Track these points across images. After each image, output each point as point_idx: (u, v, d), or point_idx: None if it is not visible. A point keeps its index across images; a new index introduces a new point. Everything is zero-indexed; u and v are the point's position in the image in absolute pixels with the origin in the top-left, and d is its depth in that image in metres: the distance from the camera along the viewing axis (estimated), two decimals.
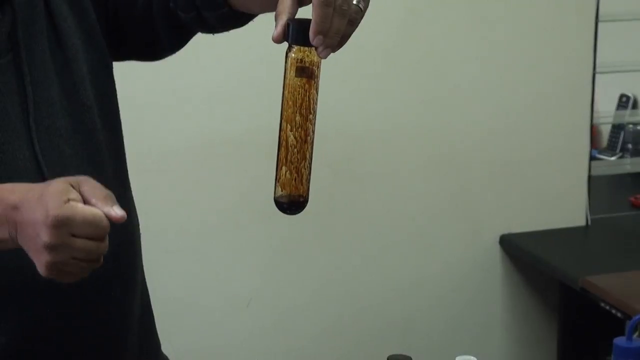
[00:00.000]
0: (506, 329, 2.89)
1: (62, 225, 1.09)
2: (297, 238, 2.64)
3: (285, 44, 1.19)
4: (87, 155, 1.34)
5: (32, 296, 1.30)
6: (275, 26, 1.17)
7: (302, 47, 1.17)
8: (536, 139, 2.81)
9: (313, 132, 1.20)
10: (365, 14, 1.18)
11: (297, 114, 1.18)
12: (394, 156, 2.71)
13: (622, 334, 1.42)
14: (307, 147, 1.19)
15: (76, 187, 1.12)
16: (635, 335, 1.41)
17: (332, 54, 1.18)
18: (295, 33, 1.17)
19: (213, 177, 2.58)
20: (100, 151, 1.36)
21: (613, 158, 3.29)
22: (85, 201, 1.11)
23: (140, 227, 1.46)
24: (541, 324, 2.92)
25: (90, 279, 1.24)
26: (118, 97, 1.43)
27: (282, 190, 1.20)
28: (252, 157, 2.56)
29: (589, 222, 2.89)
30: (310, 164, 1.20)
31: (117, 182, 1.39)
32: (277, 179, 1.20)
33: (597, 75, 2.84)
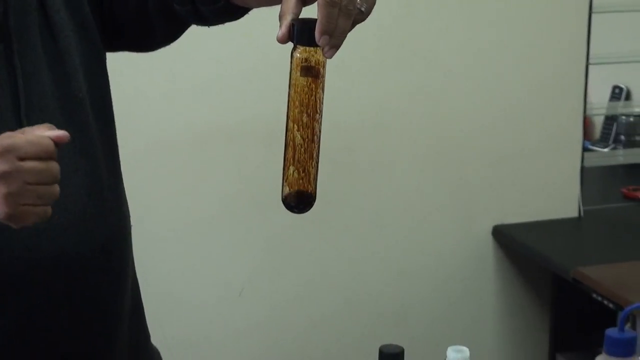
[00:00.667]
0: (499, 320, 2.90)
1: (7, 152, 1.12)
2: (290, 229, 2.64)
3: (289, 43, 1.18)
4: (79, 147, 1.34)
5: (22, 290, 1.30)
6: (280, 26, 1.16)
7: (307, 47, 1.16)
8: (529, 130, 2.82)
9: (320, 131, 1.20)
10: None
11: (304, 114, 1.18)
12: (387, 148, 2.71)
13: (614, 324, 1.42)
14: (314, 147, 1.19)
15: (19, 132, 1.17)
16: (627, 326, 1.41)
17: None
18: (300, 33, 1.16)
19: (205, 169, 2.57)
20: (92, 143, 1.36)
21: (606, 149, 3.29)
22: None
23: (131, 218, 1.46)
24: (534, 314, 2.92)
25: (80, 269, 1.23)
26: (111, 88, 1.43)
27: (290, 189, 1.20)
28: (245, 149, 2.55)
29: (582, 213, 2.89)
30: (317, 162, 1.20)
31: (110, 174, 1.39)
32: (284, 179, 1.20)
33: (590, 67, 2.84)
